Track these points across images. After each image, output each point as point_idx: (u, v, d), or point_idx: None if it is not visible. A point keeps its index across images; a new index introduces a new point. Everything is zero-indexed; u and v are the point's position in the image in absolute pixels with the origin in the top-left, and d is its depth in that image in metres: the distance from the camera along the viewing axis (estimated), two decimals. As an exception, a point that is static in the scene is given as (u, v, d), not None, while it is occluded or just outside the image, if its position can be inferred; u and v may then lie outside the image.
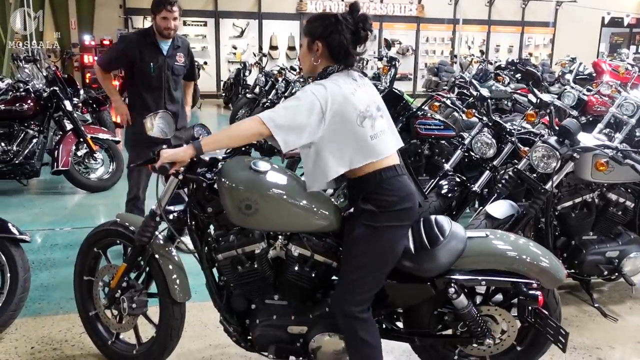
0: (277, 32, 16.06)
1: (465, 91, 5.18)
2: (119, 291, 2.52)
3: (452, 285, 2.27)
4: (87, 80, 13.50)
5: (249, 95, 10.12)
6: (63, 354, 2.85)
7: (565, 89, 7.28)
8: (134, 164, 3.96)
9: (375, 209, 2.15)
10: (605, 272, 3.39)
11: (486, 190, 4.01)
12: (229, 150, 2.39)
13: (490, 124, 3.96)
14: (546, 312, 2.34)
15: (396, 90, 4.76)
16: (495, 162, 3.89)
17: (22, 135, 5.68)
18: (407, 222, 2.25)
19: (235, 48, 15.29)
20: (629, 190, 3.39)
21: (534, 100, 3.79)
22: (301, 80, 8.36)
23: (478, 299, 2.46)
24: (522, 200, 3.77)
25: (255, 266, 2.29)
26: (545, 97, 3.63)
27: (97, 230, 2.71)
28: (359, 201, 2.19)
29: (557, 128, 3.21)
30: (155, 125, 2.46)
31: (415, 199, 2.27)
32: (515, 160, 3.91)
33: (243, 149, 2.43)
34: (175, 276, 2.47)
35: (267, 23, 15.92)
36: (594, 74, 10.61)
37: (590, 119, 7.14)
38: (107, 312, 2.68)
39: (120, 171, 6.05)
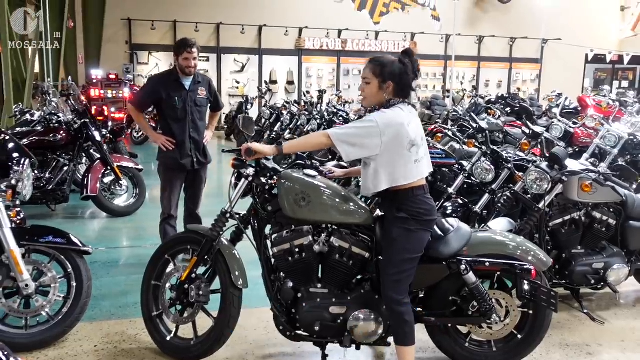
0: (276, 67, 16.74)
1: (465, 123, 5.71)
2: (188, 282, 3.04)
3: (463, 263, 2.85)
4: (93, 113, 13.96)
5: (255, 128, 10.65)
6: (123, 350, 3.26)
7: (553, 122, 7.85)
8: (168, 185, 4.45)
9: (408, 216, 2.72)
10: (593, 282, 3.85)
11: (485, 211, 4.49)
12: (285, 165, 3.03)
13: (488, 152, 4.48)
14: (538, 282, 2.89)
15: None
16: (493, 186, 4.39)
17: (55, 163, 6.14)
18: (430, 228, 2.83)
19: (238, 82, 15.92)
20: (611, 209, 3.89)
21: (527, 131, 4.29)
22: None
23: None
24: (518, 220, 4.26)
25: (304, 256, 2.85)
26: (537, 129, 4.13)
27: (169, 240, 3.25)
28: (393, 210, 2.75)
29: (547, 155, 3.72)
30: (242, 124, 3.21)
31: (436, 213, 2.83)
32: (511, 185, 4.41)
33: (297, 167, 3.05)
34: (237, 267, 3.02)
35: (267, 59, 16.63)
36: (579, 108, 11.27)
37: (577, 149, 7.69)
38: (171, 310, 3.14)
39: (143, 197, 6.51)
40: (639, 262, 4.08)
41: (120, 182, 6.34)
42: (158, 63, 15.53)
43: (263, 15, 15.97)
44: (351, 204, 2.88)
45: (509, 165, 4.29)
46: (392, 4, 17.49)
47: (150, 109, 5.64)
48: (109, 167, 6.24)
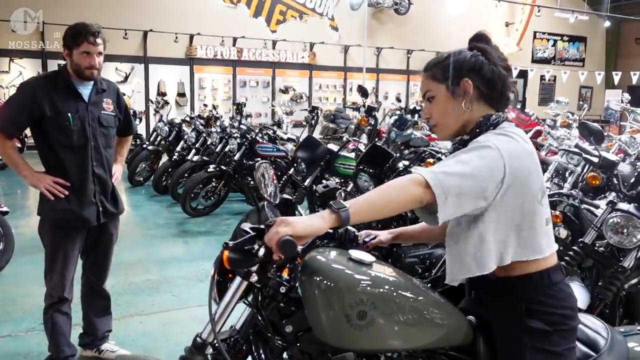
0: (165, 77, 14.92)
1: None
2: None
3: None
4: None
5: (150, 148, 8.91)
6: None
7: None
8: (59, 253, 2.86)
9: (546, 326, 1.50)
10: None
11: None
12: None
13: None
14: None
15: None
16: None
17: None
18: (575, 341, 1.63)
19: (123, 94, 13.88)
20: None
21: (594, 160, 3.11)
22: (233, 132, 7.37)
23: None
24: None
25: None
26: (611, 157, 3.00)
27: None
28: (517, 312, 1.53)
29: (625, 192, 2.68)
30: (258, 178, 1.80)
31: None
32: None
33: (318, 241, 1.71)
34: None
35: (154, 68, 14.74)
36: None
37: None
38: None
39: (10, 252, 4.68)
40: None
41: (-25, 232, 4.51)
42: (22, 71, 13.09)
43: (149, 19, 14.08)
44: (439, 308, 1.57)
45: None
46: (289, 12, 16.44)
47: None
48: (-44, 213, 4.40)
